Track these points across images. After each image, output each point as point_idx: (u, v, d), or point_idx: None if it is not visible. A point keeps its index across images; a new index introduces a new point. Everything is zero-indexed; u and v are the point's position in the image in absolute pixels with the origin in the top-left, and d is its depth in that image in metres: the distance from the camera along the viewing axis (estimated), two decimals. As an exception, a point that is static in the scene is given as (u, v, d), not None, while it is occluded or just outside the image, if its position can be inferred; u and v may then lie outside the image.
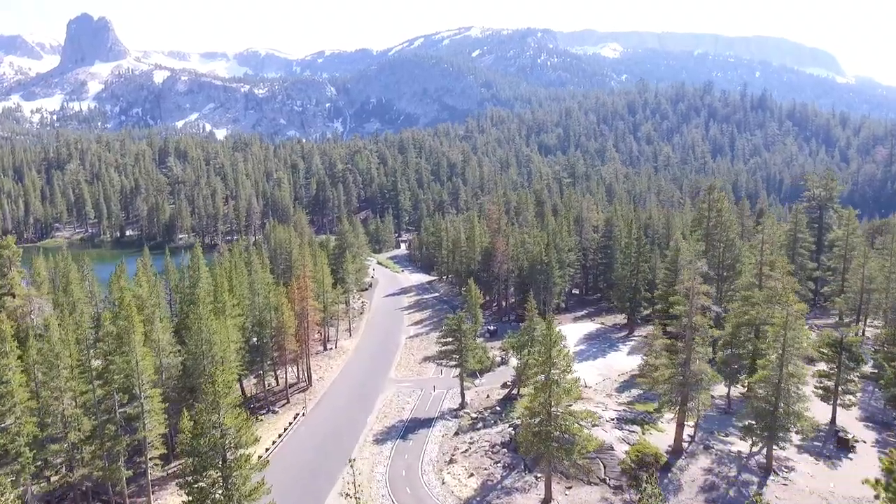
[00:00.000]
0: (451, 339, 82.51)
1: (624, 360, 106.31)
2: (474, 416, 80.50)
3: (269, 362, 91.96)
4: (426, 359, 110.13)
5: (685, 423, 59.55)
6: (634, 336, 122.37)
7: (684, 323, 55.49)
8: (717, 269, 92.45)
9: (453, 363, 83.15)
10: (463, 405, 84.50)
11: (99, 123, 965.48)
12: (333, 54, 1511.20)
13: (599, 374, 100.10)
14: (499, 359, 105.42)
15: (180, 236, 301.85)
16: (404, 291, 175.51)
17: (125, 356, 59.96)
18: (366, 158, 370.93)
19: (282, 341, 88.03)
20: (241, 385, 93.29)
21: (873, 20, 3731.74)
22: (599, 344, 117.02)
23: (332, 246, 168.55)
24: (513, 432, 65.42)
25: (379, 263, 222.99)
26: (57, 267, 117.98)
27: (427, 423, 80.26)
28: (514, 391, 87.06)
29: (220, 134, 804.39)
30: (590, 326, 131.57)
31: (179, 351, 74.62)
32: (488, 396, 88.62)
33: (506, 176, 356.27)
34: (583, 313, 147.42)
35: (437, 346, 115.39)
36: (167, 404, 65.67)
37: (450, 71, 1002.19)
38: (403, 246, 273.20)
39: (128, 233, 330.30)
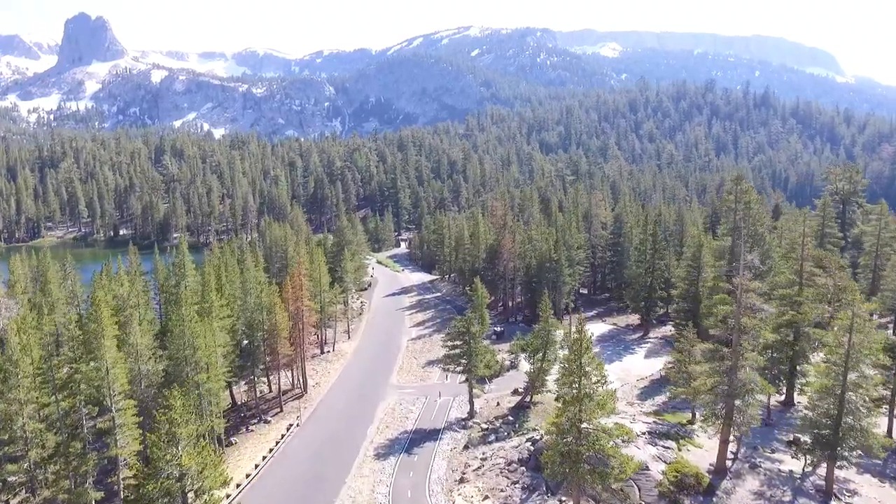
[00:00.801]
0: (458, 343, 75.49)
1: (642, 364, 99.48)
2: (485, 426, 73.56)
3: (261, 367, 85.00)
4: (430, 362, 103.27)
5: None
6: (650, 338, 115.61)
7: (730, 325, 48.47)
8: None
9: (461, 369, 76.05)
10: (472, 414, 77.56)
11: (96, 123, 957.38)
12: (332, 54, 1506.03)
13: (617, 379, 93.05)
14: (508, 363, 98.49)
15: (175, 235, 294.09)
16: (405, 291, 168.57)
17: (94, 363, 53.00)
18: (365, 156, 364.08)
19: (274, 345, 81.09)
20: (231, 392, 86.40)
21: (872, 20, 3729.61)
22: (614, 346, 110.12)
23: (329, 244, 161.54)
24: (531, 448, 58.47)
25: (378, 262, 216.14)
26: (38, 266, 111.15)
27: (433, 434, 73.27)
28: (527, 399, 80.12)
29: (218, 133, 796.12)
30: (602, 328, 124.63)
31: (162, 356, 67.69)
32: (498, 404, 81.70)
33: (507, 174, 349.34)
34: (592, 313, 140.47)
35: (442, 350, 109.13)
36: (142, 418, 58.58)
37: (449, 70, 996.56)
38: (403, 245, 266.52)
39: (122, 232, 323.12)
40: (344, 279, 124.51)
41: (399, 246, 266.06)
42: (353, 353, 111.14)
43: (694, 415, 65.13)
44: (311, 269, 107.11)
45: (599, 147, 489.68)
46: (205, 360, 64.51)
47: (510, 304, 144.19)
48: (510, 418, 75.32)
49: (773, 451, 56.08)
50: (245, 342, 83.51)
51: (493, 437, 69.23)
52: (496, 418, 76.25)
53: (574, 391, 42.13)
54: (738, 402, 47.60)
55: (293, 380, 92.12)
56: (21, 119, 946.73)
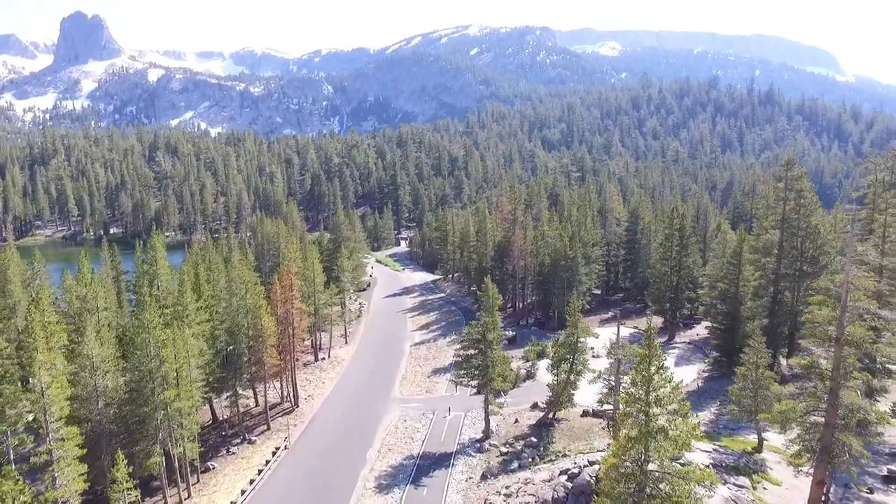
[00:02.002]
0: (472, 353, 65.00)
1: (675, 374, 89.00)
2: (504, 450, 63.16)
3: (244, 379, 74.56)
4: (436, 371, 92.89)
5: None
6: (677, 343, 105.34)
7: (831, 334, 38.02)
8: (795, 263, 75.14)
9: (475, 382, 65.52)
10: (487, 434, 67.13)
11: (92, 122, 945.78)
12: (330, 53, 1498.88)
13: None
14: (524, 371, 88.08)
15: (167, 234, 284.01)
16: (406, 292, 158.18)
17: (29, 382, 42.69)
18: (363, 153, 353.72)
19: (260, 353, 70.59)
20: (212, 406, 75.95)
21: (871, 19, 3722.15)
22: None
23: (326, 240, 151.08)
24: (568, 485, 47.96)
25: (378, 261, 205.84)
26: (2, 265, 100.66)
27: (444, 459, 62.77)
28: (550, 415, 69.74)
29: (215, 132, 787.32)
30: (623, 332, 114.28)
31: (127, 368, 57.36)
32: (517, 421, 71.33)
33: (510, 170, 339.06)
34: (608, 315, 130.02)
35: (449, 356, 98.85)
36: (85, 450, 48.06)
37: (448, 69, 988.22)
38: (404, 243, 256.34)
39: (112, 230, 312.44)
40: (341, 279, 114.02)
41: (399, 244, 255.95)
42: (351, 361, 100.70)
43: (761, 441, 54.71)
44: (304, 267, 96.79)
45: (603, 144, 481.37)
46: (173, 373, 54.09)
47: (520, 305, 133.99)
48: (533, 439, 64.89)
49: (870, 490, 45.63)
50: (230, 348, 72.88)
51: (515, 464, 58.84)
52: (516, 439, 65.88)
53: (641, 423, 31.76)
54: (842, 435, 37.18)
55: (282, 392, 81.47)
56: (16, 118, 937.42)
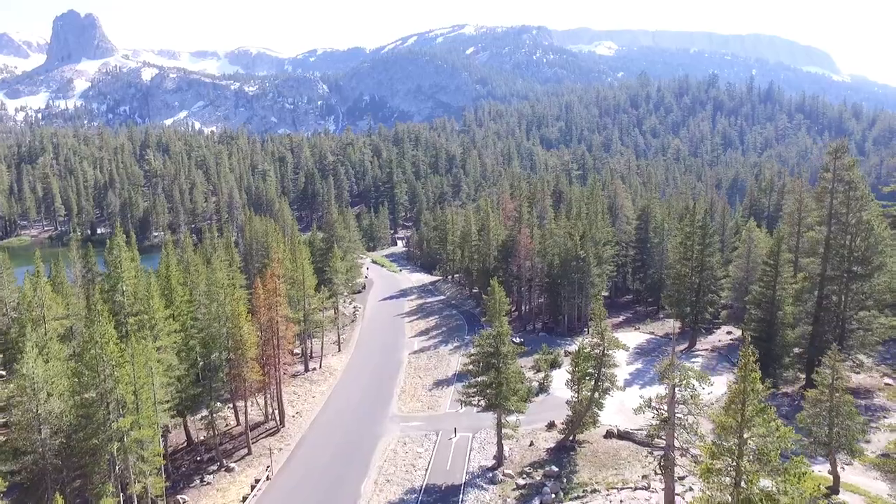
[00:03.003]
0: (485, 368, 56.30)
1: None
2: (521, 481, 54.51)
3: (224, 394, 65.93)
4: (438, 383, 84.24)
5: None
6: (699, 350, 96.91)
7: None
8: (844, 263, 66.71)
9: (486, 402, 56.83)
10: (500, 461, 58.50)
11: (85, 122, 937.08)
12: (326, 53, 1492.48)
13: (675, 405, 74.63)
14: (536, 384, 79.44)
15: (155, 234, 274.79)
16: (404, 294, 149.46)
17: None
18: (358, 150, 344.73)
19: (239, 367, 61.91)
20: (186, 426, 67.26)
21: (866, 18, 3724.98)
22: (658, 362, 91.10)
23: (318, 240, 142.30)
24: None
25: (374, 262, 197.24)
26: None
27: (452, 494, 54.08)
28: (570, 438, 61.24)
29: (209, 132, 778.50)
30: (637, 337, 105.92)
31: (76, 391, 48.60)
32: (532, 444, 62.78)
33: (509, 168, 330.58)
34: (620, 319, 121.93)
35: (452, 366, 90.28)
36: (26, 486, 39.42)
37: (444, 68, 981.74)
38: (401, 243, 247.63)
39: (99, 230, 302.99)
40: (334, 281, 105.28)
41: (396, 244, 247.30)
42: (345, 371, 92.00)
43: (836, 479, 46.16)
44: (294, 269, 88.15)
45: (602, 142, 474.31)
46: (131, 396, 45.42)
47: (525, 308, 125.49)
48: (553, 468, 56.31)
49: None
50: (205, 361, 64.15)
51: (536, 501, 50.32)
52: (533, 466, 57.34)
53: (733, 486, 23.22)
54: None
55: (267, 409, 72.64)
56: (8, 118, 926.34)
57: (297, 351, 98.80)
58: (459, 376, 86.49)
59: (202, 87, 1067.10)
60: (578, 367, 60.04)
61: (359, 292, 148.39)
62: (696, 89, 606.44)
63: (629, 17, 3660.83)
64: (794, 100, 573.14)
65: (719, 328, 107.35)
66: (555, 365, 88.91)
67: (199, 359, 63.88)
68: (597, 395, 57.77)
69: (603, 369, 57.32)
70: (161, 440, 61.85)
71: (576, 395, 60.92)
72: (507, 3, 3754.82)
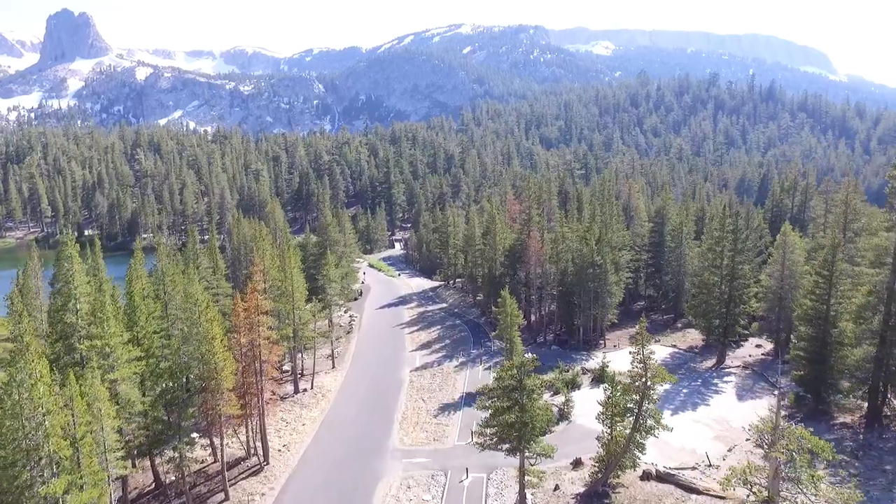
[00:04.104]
0: (506, 405, 46.80)
1: (739, 411, 71.54)
2: (551, 543, 45.46)
3: (200, 424, 56.65)
4: (444, 408, 74.96)
5: None
6: (730, 367, 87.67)
7: None
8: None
9: (508, 446, 47.50)
10: (522, 512, 49.33)
11: (79, 121, 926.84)
12: (322, 52, 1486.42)
13: (715, 436, 65.41)
14: (555, 410, 70.17)
15: (144, 235, 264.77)
16: (403, 301, 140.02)
17: None
18: (355, 150, 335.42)
19: (214, 400, 52.54)
20: (153, 465, 57.83)
21: (862, 19, 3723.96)
22: (687, 380, 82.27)
23: (312, 244, 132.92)
24: None
25: (370, 266, 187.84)
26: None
27: (466, 557, 45.14)
28: (603, 483, 52.02)
29: (203, 131, 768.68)
30: (659, 351, 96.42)
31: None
32: (557, 488, 53.60)
33: (509, 168, 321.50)
34: (636, 330, 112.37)
35: (458, 386, 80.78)
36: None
37: (441, 67, 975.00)
38: (398, 245, 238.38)
39: (87, 232, 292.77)
40: (327, 290, 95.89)
41: (393, 247, 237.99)
42: (339, 392, 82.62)
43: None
44: (282, 279, 78.77)
45: (603, 141, 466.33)
46: (68, 451, 36.10)
47: (534, 318, 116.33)
48: (587, 523, 47.30)
49: None
50: (170, 395, 54.69)
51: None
52: (561, 519, 48.24)
53: None
54: None
55: (249, 442, 63.17)
56: (1, 118, 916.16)
57: (287, 368, 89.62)
58: (467, 399, 77.41)
59: (197, 87, 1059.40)
60: (613, 399, 50.85)
61: (355, 299, 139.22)
62: (697, 88, 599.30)
63: (626, 16, 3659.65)
64: (796, 99, 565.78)
65: (746, 340, 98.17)
66: (574, 385, 79.91)
67: (168, 387, 54.53)
68: (637, 435, 48.55)
69: (646, 405, 48.11)
70: (120, 487, 52.62)
71: (608, 431, 51.72)
72: (504, 3, 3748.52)
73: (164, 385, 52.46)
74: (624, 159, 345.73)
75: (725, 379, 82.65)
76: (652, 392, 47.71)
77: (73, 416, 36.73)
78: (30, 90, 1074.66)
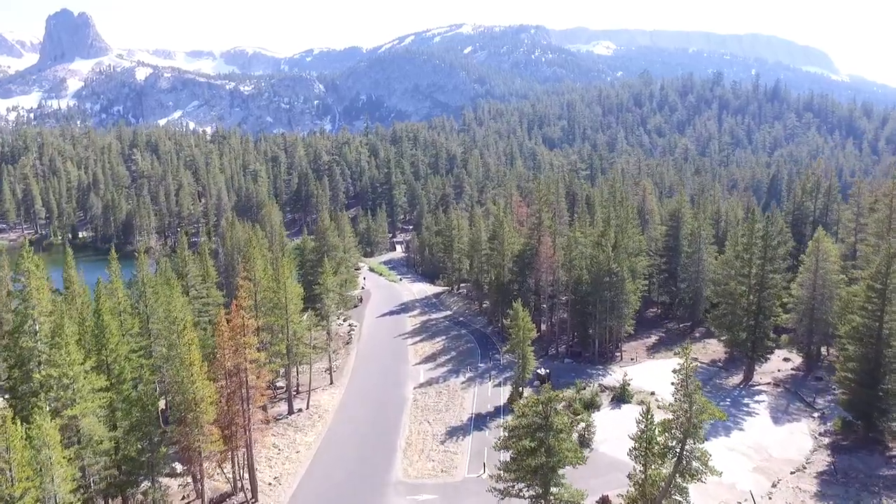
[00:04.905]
0: (533, 448, 40.22)
1: (776, 435, 64.94)
2: None
3: (179, 457, 50.14)
4: (452, 432, 68.47)
5: None
6: (759, 384, 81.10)
7: None
8: None
9: (532, 493, 40.94)
10: (546, 566, 42.73)
11: (78, 122, 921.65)
12: (322, 52, 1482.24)
13: (755, 467, 58.75)
14: (574, 435, 63.41)
15: (139, 238, 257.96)
16: (405, 309, 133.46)
17: None
18: (355, 150, 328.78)
19: (193, 436, 45.99)
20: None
21: (863, 19, 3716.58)
22: (714, 399, 74.42)
23: (309, 249, 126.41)
24: None
25: (371, 270, 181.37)
26: None
27: None
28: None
29: (202, 131, 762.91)
30: (676, 365, 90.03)
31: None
32: (584, 534, 47.06)
33: (513, 168, 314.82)
34: (652, 340, 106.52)
35: (466, 405, 74.05)
36: None
37: (442, 67, 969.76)
38: (399, 248, 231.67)
39: (81, 234, 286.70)
40: (324, 299, 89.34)
41: (395, 249, 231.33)
42: (337, 412, 76.12)
43: None
44: (275, 289, 72.21)
45: (607, 141, 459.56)
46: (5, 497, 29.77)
47: (544, 327, 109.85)
48: (624, 584, 40.77)
49: None
50: (144, 430, 48.13)
51: None
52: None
53: None
54: None
55: (235, 474, 56.52)
56: (0, 118, 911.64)
57: (281, 384, 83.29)
58: (476, 422, 71.06)
59: (197, 87, 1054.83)
60: (647, 434, 44.25)
61: (355, 307, 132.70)
62: (701, 88, 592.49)
63: (626, 16, 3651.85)
64: (802, 98, 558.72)
65: (772, 353, 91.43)
66: (592, 406, 73.44)
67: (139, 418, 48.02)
68: (679, 479, 42.04)
69: (690, 444, 41.61)
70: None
71: (642, 470, 45.17)
72: (505, 3, 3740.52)
73: (136, 416, 45.85)
74: (630, 159, 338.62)
75: (756, 398, 76.13)
76: (699, 430, 41.09)
77: (9, 470, 30.27)
78: (29, 90, 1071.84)
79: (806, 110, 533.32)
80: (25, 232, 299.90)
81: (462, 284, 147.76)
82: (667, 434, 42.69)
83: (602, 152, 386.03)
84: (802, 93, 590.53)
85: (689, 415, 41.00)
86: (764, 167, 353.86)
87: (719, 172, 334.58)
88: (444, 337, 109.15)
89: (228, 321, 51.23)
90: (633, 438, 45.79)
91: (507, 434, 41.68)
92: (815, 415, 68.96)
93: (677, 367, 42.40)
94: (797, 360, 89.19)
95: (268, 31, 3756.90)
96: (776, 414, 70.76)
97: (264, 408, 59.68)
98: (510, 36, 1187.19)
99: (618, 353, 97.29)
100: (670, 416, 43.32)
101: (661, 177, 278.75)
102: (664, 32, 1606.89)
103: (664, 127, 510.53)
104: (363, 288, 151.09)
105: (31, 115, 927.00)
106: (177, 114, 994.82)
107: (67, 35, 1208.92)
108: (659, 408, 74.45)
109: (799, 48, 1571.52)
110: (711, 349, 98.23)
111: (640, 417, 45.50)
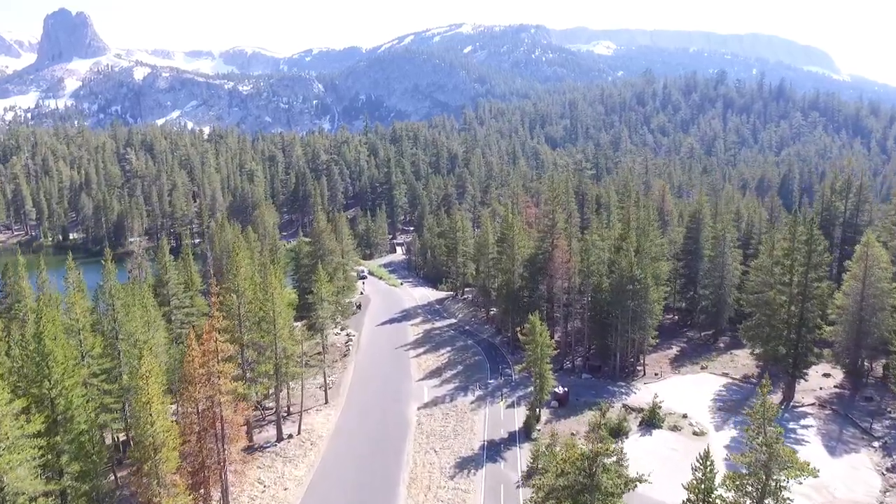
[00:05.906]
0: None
1: (835, 468, 56.65)
2: None
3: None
4: (462, 464, 60.16)
5: None
6: (802, 406, 72.81)
7: None
8: None
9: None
10: None
11: (76, 122, 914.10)
12: (321, 52, 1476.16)
13: (819, 513, 50.64)
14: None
15: (131, 240, 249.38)
16: (406, 316, 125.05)
17: None
18: (354, 149, 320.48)
19: (151, 489, 37.71)
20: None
21: (863, 18, 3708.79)
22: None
23: (304, 253, 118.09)
24: None
25: (371, 273, 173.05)
26: None
27: None
28: None
29: (199, 131, 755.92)
30: (710, 383, 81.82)
31: None
32: None
33: (516, 168, 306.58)
34: (674, 351, 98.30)
35: (477, 433, 65.90)
36: None
37: (441, 66, 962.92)
38: (400, 250, 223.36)
39: (72, 235, 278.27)
40: (318, 310, 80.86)
41: (395, 251, 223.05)
42: (332, 438, 67.82)
43: None
44: (262, 301, 63.90)
45: (611, 140, 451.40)
46: None
47: (558, 336, 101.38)
48: None
49: None
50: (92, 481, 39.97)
51: None
52: None
53: None
54: None
55: (212, 520, 48.40)
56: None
57: (270, 404, 75.07)
58: (489, 451, 62.83)
59: (195, 87, 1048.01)
60: (704, 485, 35.93)
61: (354, 313, 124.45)
62: (705, 86, 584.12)
63: (627, 16, 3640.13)
64: (807, 97, 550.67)
65: (809, 367, 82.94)
66: (620, 432, 65.18)
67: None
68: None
69: (769, 501, 33.34)
70: None
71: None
72: (505, 3, 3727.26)
73: (79, 466, 37.63)
74: (636, 159, 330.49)
75: (802, 422, 67.94)
76: (780, 492, 32.78)
77: None
78: (27, 90, 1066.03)
79: (812, 109, 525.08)
80: (16, 233, 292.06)
81: (467, 289, 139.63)
82: (735, 492, 34.36)
83: (606, 151, 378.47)
84: (808, 92, 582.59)
85: (768, 470, 32.67)
86: (773, 166, 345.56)
87: (728, 172, 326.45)
88: (449, 348, 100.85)
89: (201, 343, 42.94)
90: (687, 489, 37.56)
91: (542, 496, 33.43)
92: (876, 444, 60.76)
93: (721, 390, 34.01)
94: (839, 375, 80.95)
95: (267, 31, 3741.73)
96: (830, 442, 62.55)
97: (249, 435, 51.56)
98: (510, 35, 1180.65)
99: (640, 367, 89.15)
100: (741, 467, 35.06)
101: (669, 176, 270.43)
102: (665, 32, 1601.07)
103: (668, 126, 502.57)
104: (362, 293, 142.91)
105: (29, 115, 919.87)
106: (175, 114, 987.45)
107: (65, 35, 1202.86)
108: (695, 434, 66.50)
109: (800, 48, 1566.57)
110: (741, 362, 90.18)
111: (697, 464, 37.24)
